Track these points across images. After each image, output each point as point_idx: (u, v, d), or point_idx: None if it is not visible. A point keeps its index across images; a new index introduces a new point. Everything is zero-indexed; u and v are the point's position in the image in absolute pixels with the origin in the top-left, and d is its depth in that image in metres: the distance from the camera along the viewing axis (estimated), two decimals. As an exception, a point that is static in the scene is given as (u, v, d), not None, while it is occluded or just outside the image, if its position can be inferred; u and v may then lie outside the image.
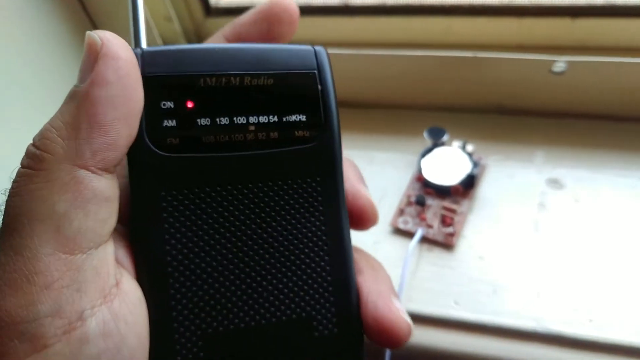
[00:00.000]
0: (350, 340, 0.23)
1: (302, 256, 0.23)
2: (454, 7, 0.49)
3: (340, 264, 0.23)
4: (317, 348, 0.23)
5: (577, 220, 0.42)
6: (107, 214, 0.19)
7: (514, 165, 0.46)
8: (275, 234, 0.22)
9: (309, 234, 0.23)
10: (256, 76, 0.22)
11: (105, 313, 0.19)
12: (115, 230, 0.21)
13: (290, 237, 0.23)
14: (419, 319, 0.38)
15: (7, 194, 0.18)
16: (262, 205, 0.22)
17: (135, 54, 0.21)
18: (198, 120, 0.22)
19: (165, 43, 0.54)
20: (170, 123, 0.21)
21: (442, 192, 0.44)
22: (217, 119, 0.22)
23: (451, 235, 0.41)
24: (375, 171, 0.48)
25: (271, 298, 0.22)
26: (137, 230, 0.22)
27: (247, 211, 0.22)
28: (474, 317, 0.37)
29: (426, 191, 0.45)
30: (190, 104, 0.22)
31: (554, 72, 0.46)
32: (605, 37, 0.47)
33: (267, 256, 0.22)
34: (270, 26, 0.25)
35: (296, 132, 0.23)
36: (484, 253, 0.41)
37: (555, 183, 0.44)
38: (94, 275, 0.19)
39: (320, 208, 0.23)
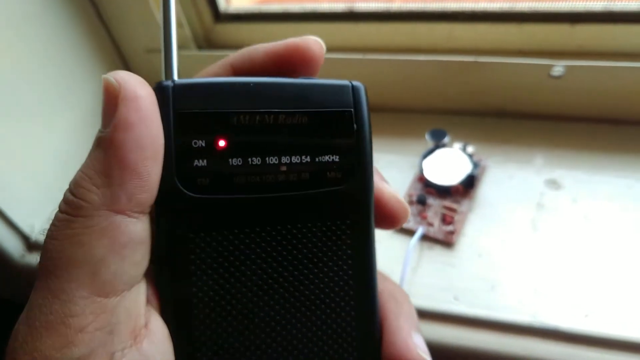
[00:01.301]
0: None
1: (328, 300, 0.22)
2: (456, 13, 0.51)
3: (366, 314, 0.23)
4: None
5: (575, 219, 0.43)
6: (141, 256, 0.20)
7: (513, 166, 0.48)
8: (302, 277, 0.22)
9: (336, 279, 0.22)
10: (291, 114, 0.21)
11: (135, 355, 0.19)
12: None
13: (317, 281, 0.22)
14: (420, 314, 0.39)
15: (44, 234, 0.19)
16: (289, 248, 0.22)
17: (167, 86, 0.21)
18: (230, 160, 0.21)
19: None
20: (201, 163, 0.21)
21: (443, 192, 0.45)
22: (249, 159, 0.21)
23: (451, 233, 0.43)
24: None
25: (295, 342, 0.22)
26: (165, 271, 0.21)
27: (274, 254, 0.22)
28: (473, 312, 0.38)
29: (427, 191, 0.46)
30: (222, 143, 0.21)
31: (553, 76, 0.47)
32: (603, 42, 0.48)
33: (292, 300, 0.22)
34: (290, 67, 0.23)
35: (328, 174, 0.22)
36: (483, 251, 0.42)
37: (553, 184, 0.46)
38: (126, 317, 0.19)
39: (349, 252, 0.22)
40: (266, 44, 0.24)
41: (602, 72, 0.46)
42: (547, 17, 0.49)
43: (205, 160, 0.21)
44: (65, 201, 0.19)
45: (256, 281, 0.21)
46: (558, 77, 0.47)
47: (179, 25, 0.55)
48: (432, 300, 0.39)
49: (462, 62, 0.49)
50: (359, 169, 0.22)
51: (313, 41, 0.23)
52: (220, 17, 0.57)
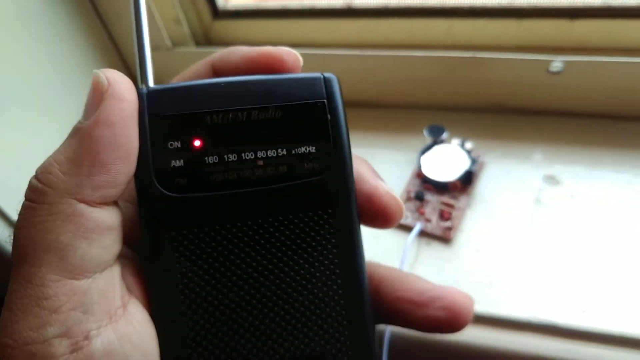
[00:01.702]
0: None
1: (316, 291, 0.22)
2: (455, 9, 0.50)
3: (355, 299, 0.23)
4: None
5: (573, 215, 0.43)
6: (110, 241, 0.20)
7: (511, 162, 0.47)
8: (287, 269, 0.22)
9: (322, 268, 0.22)
10: (264, 110, 0.22)
11: (110, 333, 0.19)
12: (123, 254, 0.22)
13: (302, 271, 0.22)
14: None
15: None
16: (273, 240, 0.22)
17: (141, 92, 0.21)
18: (206, 158, 0.21)
19: (174, 45, 0.56)
20: (178, 163, 0.21)
21: (441, 188, 0.45)
22: (225, 156, 0.22)
23: (449, 229, 0.43)
24: (377, 168, 0.48)
25: (284, 334, 0.22)
26: (150, 270, 0.22)
27: (257, 247, 0.22)
28: (470, 307, 0.38)
29: (425, 187, 0.46)
30: (197, 143, 0.21)
31: (552, 72, 0.47)
32: (603, 37, 0.48)
33: (280, 292, 0.22)
34: (263, 74, 0.24)
35: (305, 165, 0.22)
36: (481, 247, 0.42)
37: (551, 179, 0.45)
38: (99, 298, 0.20)
39: (333, 241, 0.22)
40: (245, 47, 0.24)
41: (601, 67, 0.45)
42: (546, 13, 0.48)
43: (181, 161, 0.21)
44: (30, 188, 0.20)
45: (242, 276, 0.22)
46: (557, 73, 0.47)
47: (177, 22, 0.55)
48: (429, 296, 0.39)
49: (461, 57, 0.49)
50: (336, 158, 0.22)
51: (287, 52, 0.24)
52: (219, 13, 0.57)
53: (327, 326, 0.22)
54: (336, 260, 0.22)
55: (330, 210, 0.22)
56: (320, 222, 0.22)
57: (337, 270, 0.22)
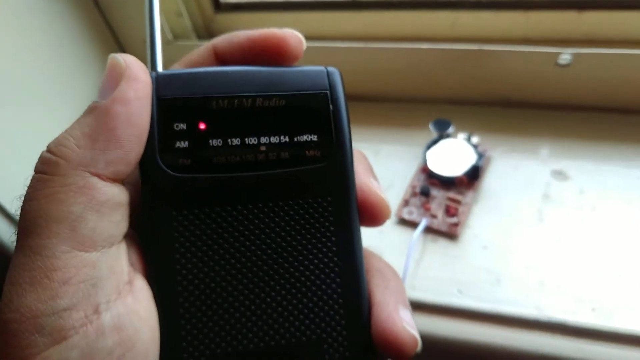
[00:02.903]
0: None
1: (313, 277, 0.22)
2: (461, 1, 0.50)
3: (352, 287, 0.23)
4: None
5: (582, 211, 0.42)
6: (119, 217, 0.20)
7: (519, 157, 0.47)
8: (286, 254, 0.22)
9: (320, 255, 0.23)
10: (268, 97, 0.22)
11: (120, 307, 0.19)
12: (128, 234, 0.22)
13: (301, 257, 0.22)
14: (423, 307, 0.39)
15: (22, 199, 0.19)
16: (272, 225, 0.22)
17: (151, 76, 0.22)
18: (210, 141, 0.22)
19: (175, 38, 0.55)
20: (183, 144, 0.22)
21: (447, 183, 0.45)
22: (229, 140, 0.22)
23: (455, 225, 0.42)
24: (382, 163, 0.48)
25: (281, 319, 0.22)
26: (149, 249, 0.22)
27: (257, 231, 0.22)
28: (477, 305, 0.38)
29: (431, 182, 0.45)
30: (202, 126, 0.22)
31: (560, 65, 0.46)
32: (611, 29, 0.47)
33: (277, 277, 0.22)
34: (266, 56, 0.24)
35: (307, 152, 0.23)
36: (488, 243, 0.41)
37: (560, 174, 0.45)
38: (108, 272, 0.19)
39: (332, 228, 0.23)
40: (249, 30, 0.25)
41: (610, 59, 0.45)
42: (554, 4, 0.48)
43: (186, 142, 0.22)
44: (41, 161, 0.20)
45: (240, 259, 0.22)
46: (565, 66, 0.46)
47: (178, 15, 0.54)
48: (435, 294, 0.39)
49: (467, 50, 0.48)
50: (338, 148, 0.23)
51: (290, 34, 0.24)
52: (221, 6, 0.56)
53: (324, 313, 0.22)
54: (334, 248, 0.23)
55: (329, 198, 0.23)
56: (320, 209, 0.23)
57: (335, 258, 0.23)
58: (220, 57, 0.25)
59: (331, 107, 0.23)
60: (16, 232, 0.19)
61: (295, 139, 0.22)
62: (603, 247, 0.39)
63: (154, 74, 0.22)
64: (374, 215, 0.24)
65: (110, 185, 0.20)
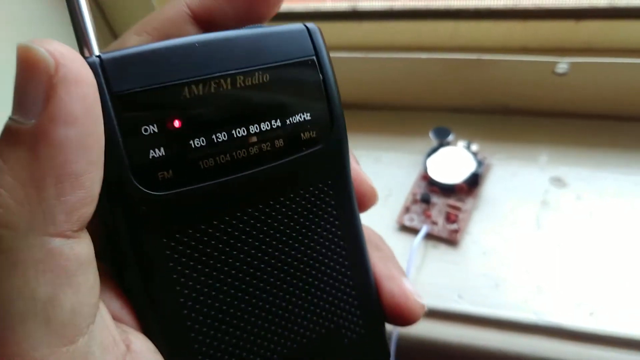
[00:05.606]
0: (376, 336, 0.22)
1: (323, 268, 0.21)
2: (460, 11, 0.50)
3: (359, 266, 0.22)
4: (348, 354, 0.22)
5: (580, 217, 0.42)
6: (93, 277, 0.15)
7: (517, 164, 0.47)
8: (292, 251, 0.20)
9: (327, 243, 0.21)
10: (249, 74, 0.18)
11: None
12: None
13: (309, 251, 0.20)
14: (424, 313, 0.39)
15: None
16: (275, 224, 0.20)
17: (92, 62, 0.16)
18: (191, 142, 0.17)
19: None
20: (158, 153, 0.17)
21: (447, 190, 0.45)
22: (213, 136, 0.18)
23: (455, 231, 0.43)
24: (382, 170, 0.49)
25: (299, 320, 0.20)
26: (141, 295, 0.18)
27: (261, 236, 0.19)
28: (476, 310, 0.38)
29: (431, 189, 0.46)
30: (177, 123, 0.17)
31: (557, 73, 0.47)
32: (608, 38, 0.48)
33: (289, 277, 0.20)
34: (251, 7, 0.20)
35: (302, 135, 0.20)
36: (488, 249, 0.42)
37: (558, 181, 0.45)
38: (102, 353, 0.15)
39: (334, 212, 0.21)
40: None
41: (607, 68, 0.45)
42: (552, 14, 0.48)
43: (162, 149, 0.17)
44: None
45: (247, 270, 0.19)
46: (563, 74, 0.47)
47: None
48: (436, 299, 0.39)
49: (466, 59, 0.49)
50: (332, 124, 0.20)
51: None
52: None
53: (338, 300, 0.21)
54: (339, 232, 0.21)
55: (330, 182, 0.21)
56: (321, 195, 0.20)
57: (341, 242, 0.21)
58: (198, 19, 0.20)
59: (320, 76, 0.20)
60: None
61: (288, 122, 0.19)
62: (601, 253, 0.40)
63: (95, 58, 0.16)
64: (362, 201, 0.23)
65: (77, 241, 0.15)
